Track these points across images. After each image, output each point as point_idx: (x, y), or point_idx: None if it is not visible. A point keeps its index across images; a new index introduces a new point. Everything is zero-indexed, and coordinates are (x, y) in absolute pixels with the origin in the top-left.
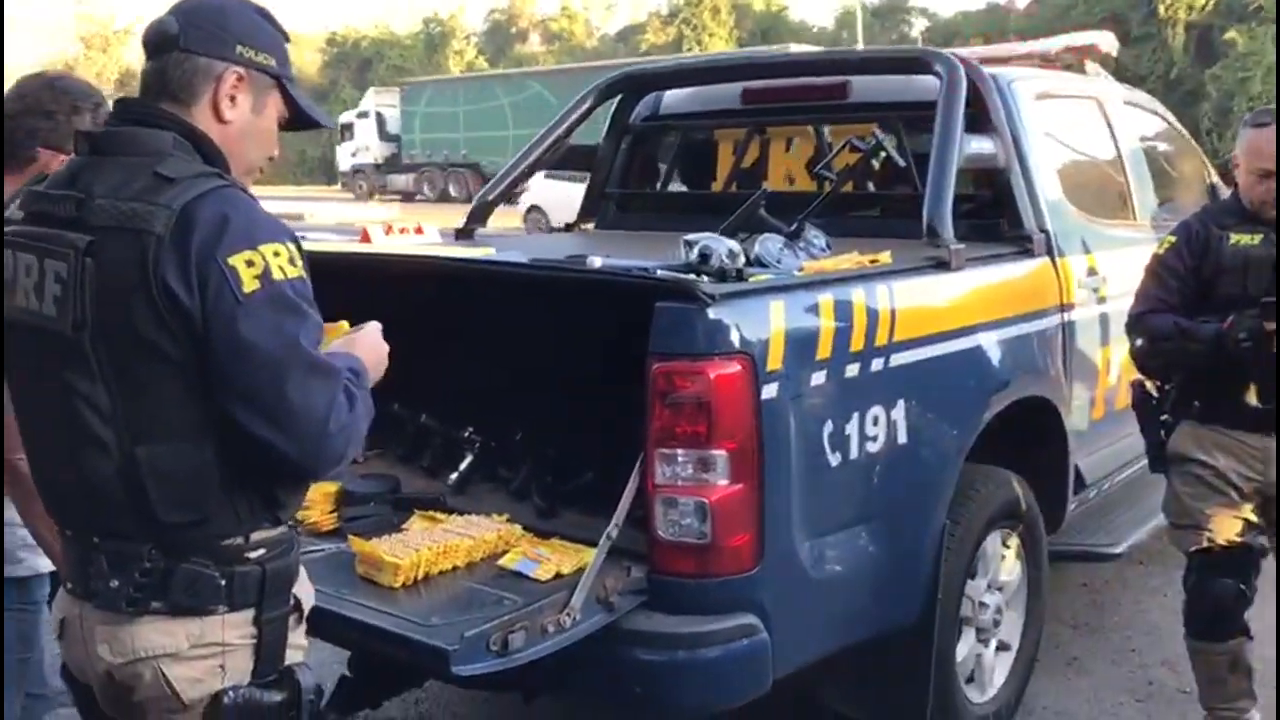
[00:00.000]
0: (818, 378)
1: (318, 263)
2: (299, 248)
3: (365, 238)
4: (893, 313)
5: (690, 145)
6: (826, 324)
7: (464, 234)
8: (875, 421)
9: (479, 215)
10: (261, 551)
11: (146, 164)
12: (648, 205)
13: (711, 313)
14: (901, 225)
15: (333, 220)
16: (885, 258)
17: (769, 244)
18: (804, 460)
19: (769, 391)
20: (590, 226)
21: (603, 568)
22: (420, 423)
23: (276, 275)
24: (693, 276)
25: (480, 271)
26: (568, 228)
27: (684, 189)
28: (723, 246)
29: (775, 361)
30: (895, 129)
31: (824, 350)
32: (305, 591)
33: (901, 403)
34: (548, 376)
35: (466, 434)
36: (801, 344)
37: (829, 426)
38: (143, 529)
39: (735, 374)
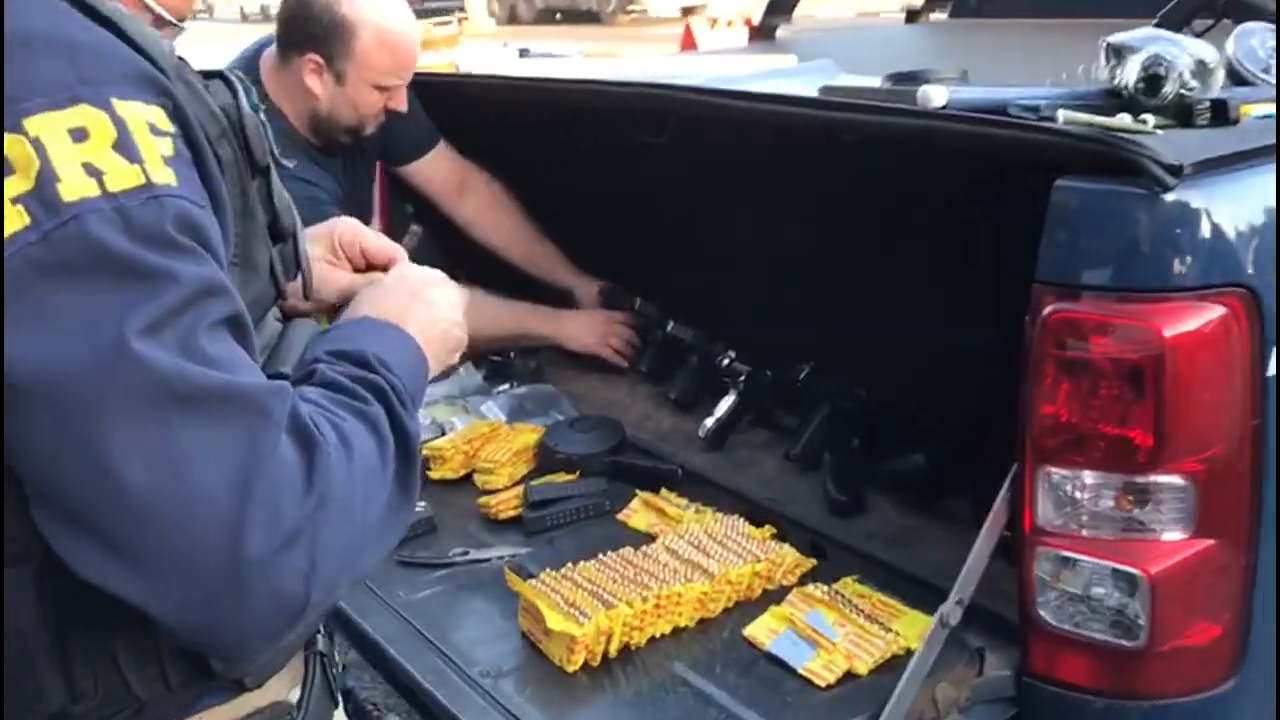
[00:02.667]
0: None
1: None
2: (176, 107)
3: (688, 37)
4: None
5: None
6: None
7: (762, 33)
8: None
9: (781, 6)
10: None
11: None
12: None
13: (1172, 202)
14: None
15: None
16: None
17: (1252, 41)
18: None
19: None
20: (942, 16)
21: (936, 663)
22: (667, 332)
23: (93, 190)
24: (1127, 121)
25: (744, 112)
26: (910, 17)
27: None
28: (1184, 55)
29: None
30: None
31: None
32: None
33: None
34: (857, 283)
35: (727, 361)
36: None
37: None
38: None
39: (1214, 329)
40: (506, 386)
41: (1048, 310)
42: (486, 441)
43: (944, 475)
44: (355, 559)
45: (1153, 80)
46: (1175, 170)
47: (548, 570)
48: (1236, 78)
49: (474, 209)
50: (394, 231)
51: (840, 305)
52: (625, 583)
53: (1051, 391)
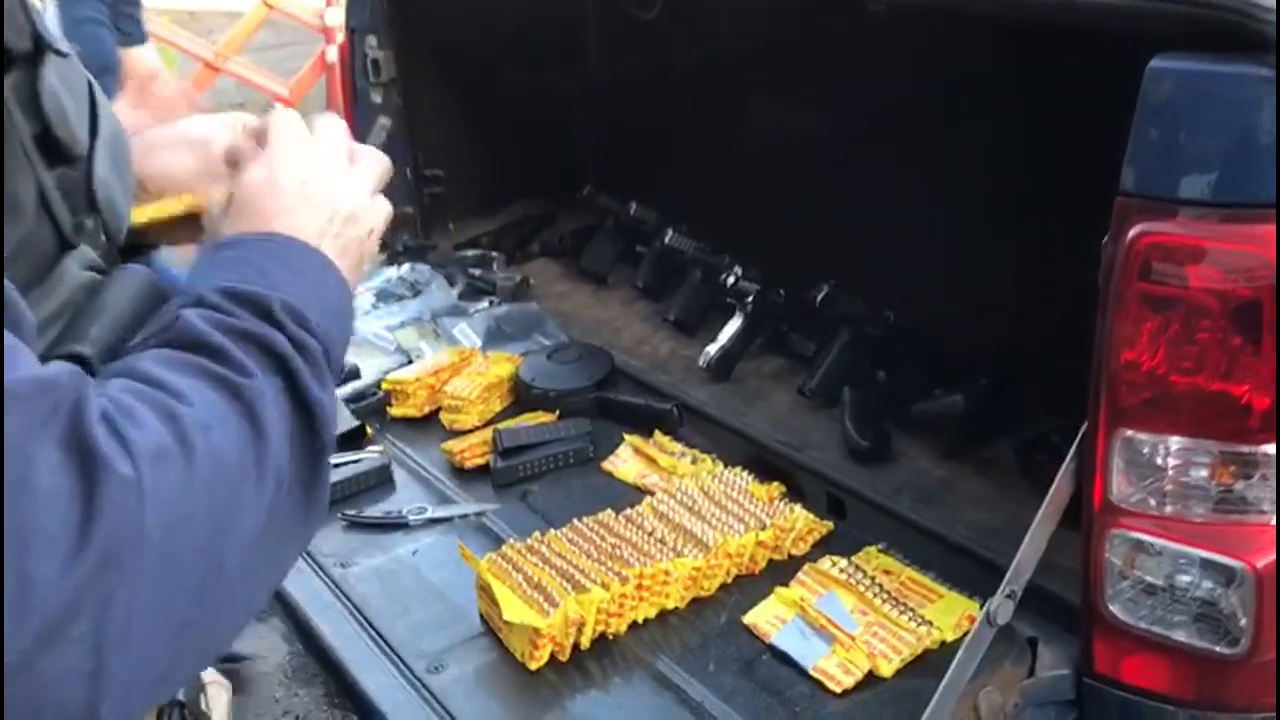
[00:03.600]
0: None
1: None
2: None
3: None
4: None
5: None
6: None
7: None
8: None
9: None
10: None
11: None
12: None
13: None
14: None
15: None
16: None
17: None
18: None
19: None
20: None
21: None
22: (665, 242)
23: None
24: None
25: None
26: None
27: None
28: None
29: None
30: None
31: None
32: None
33: None
34: (886, 185)
35: (733, 279)
36: None
37: None
38: None
39: None
40: (485, 305)
41: (1134, 231)
42: (455, 373)
43: (985, 417)
44: (200, 633)
45: None
46: None
47: (510, 542)
48: None
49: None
50: (360, 126)
51: (866, 213)
52: (603, 557)
53: (1134, 334)
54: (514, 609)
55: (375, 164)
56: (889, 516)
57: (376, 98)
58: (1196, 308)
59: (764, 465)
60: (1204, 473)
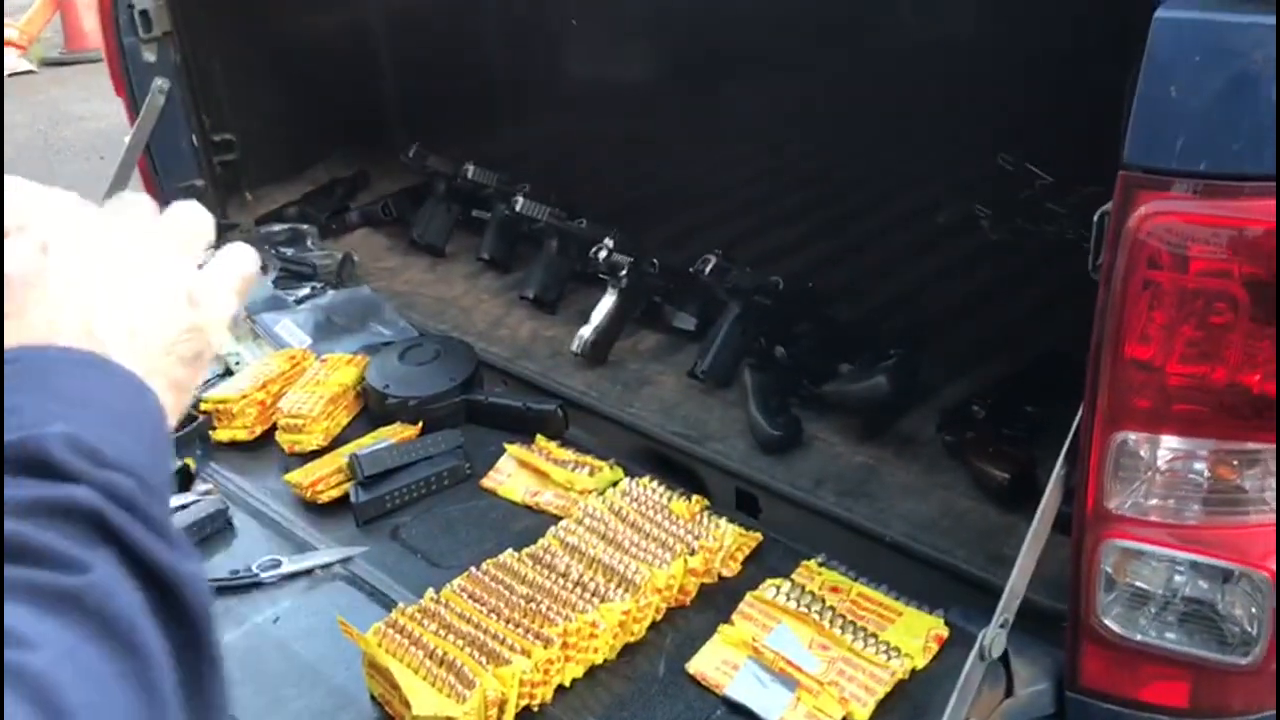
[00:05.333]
0: None
1: None
2: None
3: None
4: None
5: None
6: None
7: None
8: None
9: None
10: None
11: None
12: None
13: None
14: None
15: None
16: None
17: None
18: None
19: None
20: None
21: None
22: (516, 210)
23: None
24: None
25: None
26: None
27: None
28: None
29: None
30: None
31: None
32: None
33: None
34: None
35: (604, 252)
36: None
37: None
38: None
39: None
40: (306, 292)
41: (1142, 211)
42: (288, 383)
43: (900, 393)
44: None
45: None
46: None
47: (400, 606)
48: None
49: None
50: (133, 91)
51: (745, 165)
52: (515, 614)
53: (1139, 324)
54: (422, 699)
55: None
56: (811, 513)
57: (149, 56)
58: (1210, 292)
59: (661, 462)
60: (1207, 473)
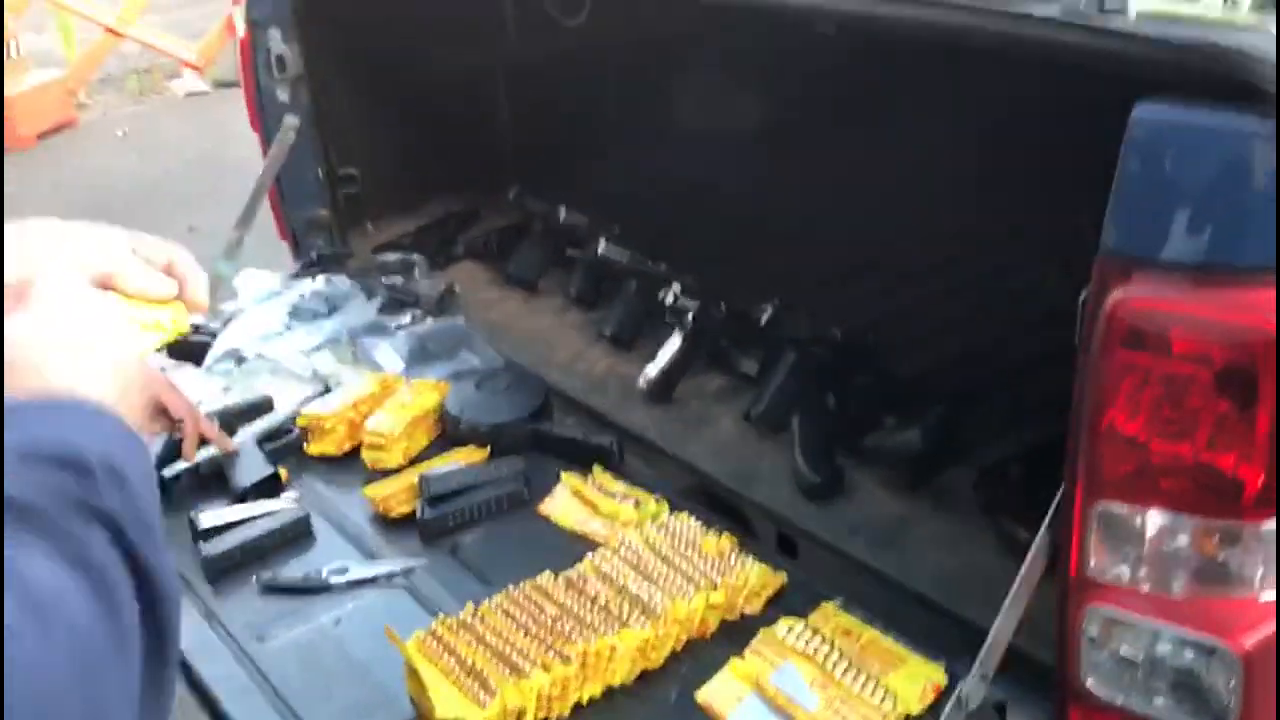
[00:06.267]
0: None
1: None
2: None
3: None
4: None
5: None
6: None
7: None
8: None
9: None
10: None
11: None
12: None
13: None
14: None
15: None
16: None
17: None
18: None
19: None
20: None
21: None
22: (599, 255)
23: None
24: (1214, 4)
25: None
26: None
27: None
28: None
29: None
30: None
31: None
32: None
33: None
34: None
35: (672, 297)
36: None
37: None
38: None
39: None
40: (407, 320)
41: (1116, 295)
42: (376, 404)
43: (940, 447)
44: None
45: None
46: None
47: (441, 617)
48: None
49: None
50: (265, 125)
51: (812, 222)
52: (542, 632)
53: (1117, 401)
54: (446, 701)
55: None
56: (844, 559)
57: (282, 95)
58: (1184, 376)
59: (711, 500)
60: (1187, 547)
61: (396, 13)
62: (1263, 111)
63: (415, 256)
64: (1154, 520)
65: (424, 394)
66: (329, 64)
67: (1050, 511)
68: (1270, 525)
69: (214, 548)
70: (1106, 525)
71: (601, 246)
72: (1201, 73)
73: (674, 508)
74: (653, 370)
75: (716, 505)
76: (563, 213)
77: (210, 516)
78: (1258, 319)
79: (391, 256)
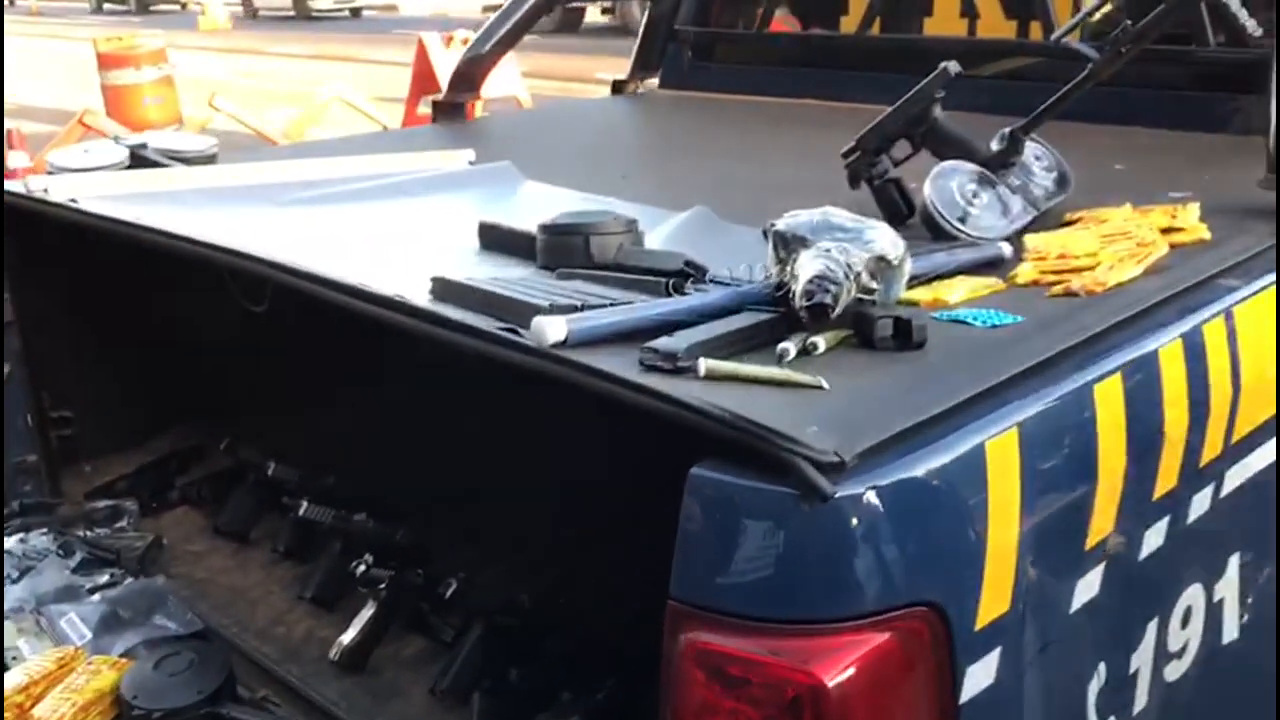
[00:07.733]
0: (1088, 584)
1: None
2: None
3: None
4: (1236, 378)
5: None
6: (1112, 448)
7: (445, 111)
8: (1187, 619)
9: (468, 78)
10: None
11: None
12: (740, 52)
13: (829, 506)
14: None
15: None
16: (1190, 221)
17: (950, 183)
18: None
19: (979, 676)
20: (653, 84)
21: None
22: (300, 515)
23: None
24: (783, 368)
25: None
26: (616, 88)
27: (797, 28)
28: (859, 254)
29: (998, 602)
30: None
31: (1104, 513)
32: None
33: (1235, 560)
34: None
35: (363, 567)
36: (1064, 521)
37: (1104, 670)
38: None
39: (888, 663)
40: (105, 579)
41: (685, 639)
42: (50, 685)
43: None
44: None
45: (817, 311)
46: (834, 467)
47: None
48: (932, 225)
49: None
50: None
51: (496, 483)
52: None
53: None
54: None
55: None
56: None
57: None
58: (744, 714)
59: None
60: None
61: (120, 267)
62: (791, 483)
63: (128, 503)
64: None
65: (101, 674)
66: (45, 306)
67: None
68: None
69: None
70: None
71: (303, 508)
72: (732, 440)
73: None
74: (345, 639)
75: None
76: (271, 467)
77: None
78: (801, 669)
79: (102, 504)
